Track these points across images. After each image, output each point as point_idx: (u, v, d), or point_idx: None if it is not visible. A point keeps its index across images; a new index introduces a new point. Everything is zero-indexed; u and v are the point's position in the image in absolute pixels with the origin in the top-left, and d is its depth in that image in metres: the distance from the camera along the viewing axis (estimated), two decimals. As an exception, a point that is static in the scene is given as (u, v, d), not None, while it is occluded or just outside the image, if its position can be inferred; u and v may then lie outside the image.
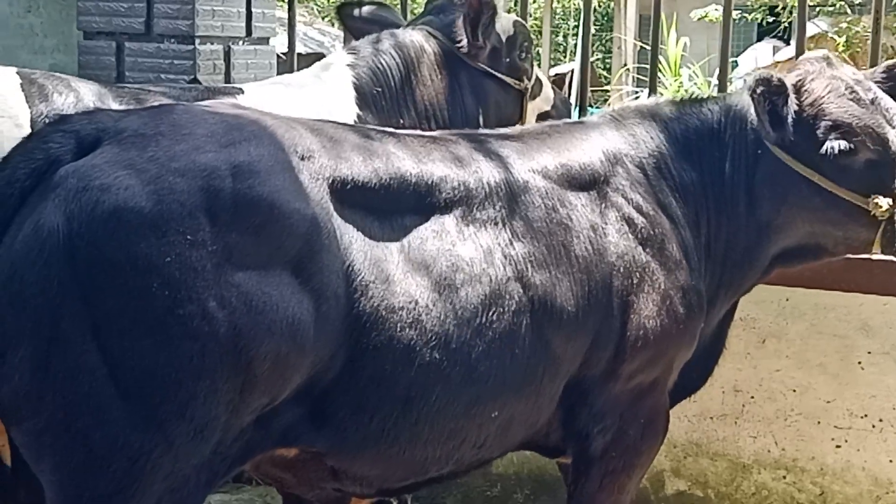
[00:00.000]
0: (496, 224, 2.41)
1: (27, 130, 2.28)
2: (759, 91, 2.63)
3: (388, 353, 2.20)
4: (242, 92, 3.16)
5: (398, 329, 2.20)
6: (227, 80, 3.96)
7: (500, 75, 3.53)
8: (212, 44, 4.00)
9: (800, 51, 3.79)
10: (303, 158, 2.18)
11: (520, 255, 2.40)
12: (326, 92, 3.26)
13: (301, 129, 2.27)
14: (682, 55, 10.91)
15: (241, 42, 4.13)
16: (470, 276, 2.31)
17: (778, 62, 10.97)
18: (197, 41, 3.92)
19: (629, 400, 2.61)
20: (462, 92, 3.47)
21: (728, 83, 4.18)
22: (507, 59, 3.58)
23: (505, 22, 3.60)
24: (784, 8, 12.99)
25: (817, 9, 11.77)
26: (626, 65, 13.44)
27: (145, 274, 1.93)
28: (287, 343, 2.05)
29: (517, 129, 2.84)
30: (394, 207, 2.29)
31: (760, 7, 13.82)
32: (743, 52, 13.45)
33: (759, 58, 12.44)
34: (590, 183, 2.60)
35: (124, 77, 3.92)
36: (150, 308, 1.94)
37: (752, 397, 3.65)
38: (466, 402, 2.32)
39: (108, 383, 1.94)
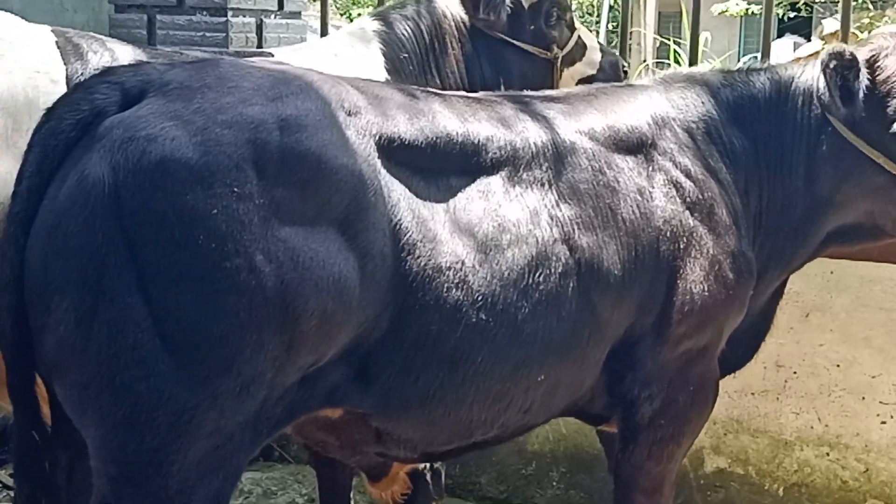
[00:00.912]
0: (542, 185, 2.38)
1: (63, 87, 2.25)
2: (831, 65, 2.58)
3: (433, 314, 2.17)
4: (273, 56, 3.13)
5: (444, 289, 2.17)
6: (260, 40, 3.94)
7: (521, 45, 3.45)
8: (244, 16, 3.97)
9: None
10: (349, 114, 2.15)
11: (566, 216, 2.37)
12: (356, 57, 3.23)
13: (347, 85, 2.24)
14: (703, 50, 10.88)
15: (273, 15, 4.10)
16: (516, 237, 2.28)
17: (798, 59, 10.91)
18: (229, 13, 3.90)
19: (678, 366, 2.57)
20: (480, 61, 3.42)
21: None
22: (532, 27, 3.49)
23: None
24: (806, 4, 12.94)
25: (839, 4, 11.71)
26: (645, 60, 13.43)
27: (191, 226, 1.90)
28: (334, 300, 2.02)
29: (563, 91, 2.80)
30: (440, 167, 2.26)
31: (781, 3, 13.75)
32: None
33: (779, 54, 12.37)
34: (637, 146, 2.57)
35: (156, 37, 3.90)
36: (196, 261, 1.91)
37: (795, 372, 3.59)
38: (512, 365, 2.29)
39: (152, 336, 1.91)
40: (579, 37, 3.63)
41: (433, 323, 2.17)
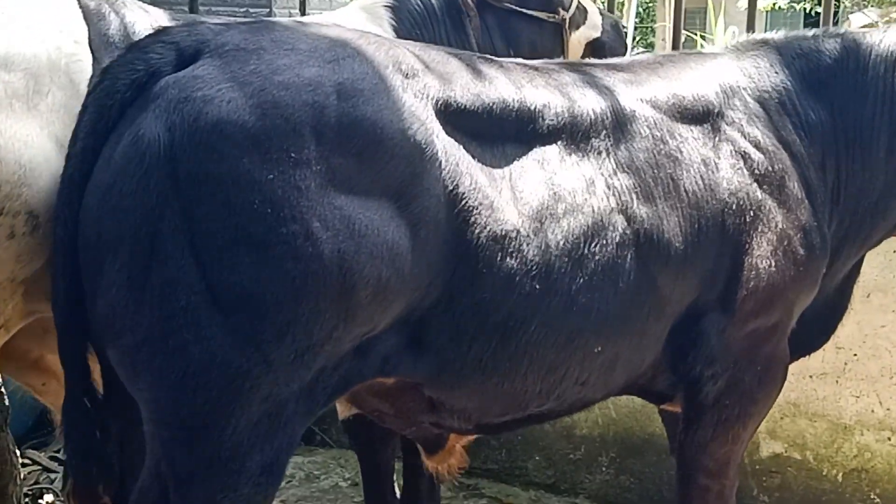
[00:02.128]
0: (599, 154, 2.33)
1: (85, 48, 2.21)
2: None
3: (487, 282, 2.12)
4: None
5: (498, 257, 2.12)
6: (303, 13, 3.90)
7: (528, 11, 3.41)
8: (288, -9, 3.94)
9: None
10: (406, 77, 2.11)
11: (623, 186, 2.31)
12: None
13: (404, 48, 2.20)
14: (730, 44, 10.80)
15: (317, -15, 4.06)
16: (571, 206, 2.23)
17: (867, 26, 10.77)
18: (273, -16, 3.86)
19: (745, 345, 2.49)
20: (491, 34, 3.37)
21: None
22: None
23: None
24: None
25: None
26: None
27: (247, 190, 1.87)
28: (388, 268, 1.98)
29: (626, 58, 2.73)
30: (496, 133, 2.21)
31: None
32: None
33: None
34: (703, 115, 2.49)
35: (197, 9, 3.87)
36: (252, 225, 1.87)
37: (855, 355, 3.49)
38: (566, 335, 2.24)
39: (206, 299, 1.88)
40: (578, 1, 3.59)
41: (486, 291, 2.13)
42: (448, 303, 2.10)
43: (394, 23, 3.19)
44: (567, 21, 3.47)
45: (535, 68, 2.43)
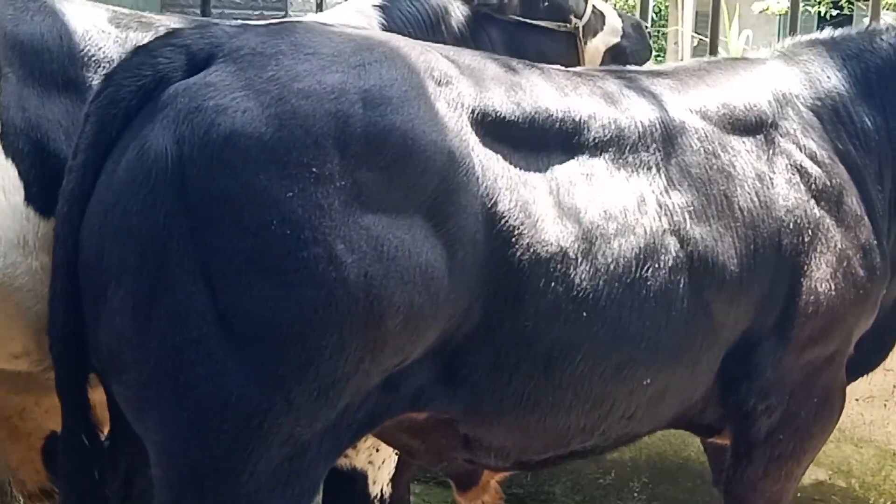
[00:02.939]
0: (650, 169, 2.16)
1: None
2: None
3: (529, 308, 1.95)
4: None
5: (542, 281, 1.95)
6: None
7: (535, 22, 3.18)
8: (304, -10, 3.77)
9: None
10: (439, 84, 1.94)
11: (676, 204, 2.14)
12: None
13: (436, 52, 2.03)
14: (744, 48, 10.70)
15: (332, -11, 3.90)
16: (622, 226, 2.06)
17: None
18: (289, -13, 3.70)
19: (802, 376, 2.33)
20: (494, 48, 3.11)
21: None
22: (545, 2, 3.22)
23: None
24: (848, 1, 12.76)
25: (882, 2, 11.45)
26: (682, 60, 13.25)
27: (264, 209, 1.70)
28: (421, 294, 1.81)
29: (671, 65, 2.55)
30: (539, 145, 2.04)
31: (823, 1, 13.58)
32: None
33: None
34: (756, 126, 2.33)
35: (209, 12, 3.71)
36: (269, 248, 1.71)
37: (905, 378, 3.32)
38: (615, 366, 2.08)
39: (219, 330, 1.72)
40: (594, 6, 3.35)
41: (529, 318, 1.96)
42: (487, 331, 1.94)
43: (384, 22, 2.99)
44: (581, 29, 3.25)
45: (579, 74, 2.27)
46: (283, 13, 3.65)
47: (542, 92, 2.09)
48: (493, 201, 1.90)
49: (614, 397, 2.11)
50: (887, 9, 12.18)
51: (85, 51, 2.07)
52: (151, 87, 1.80)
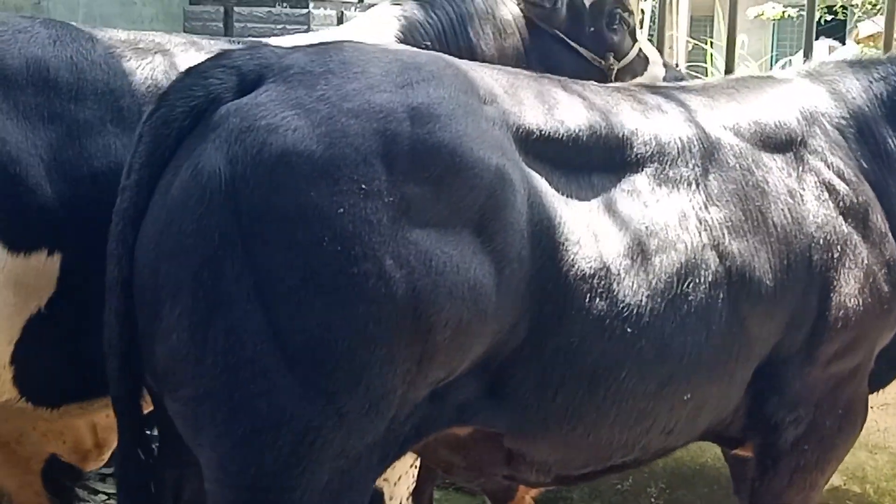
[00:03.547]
0: (689, 185, 2.18)
1: None
2: None
3: (575, 324, 1.97)
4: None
5: (587, 297, 1.97)
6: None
7: (575, 45, 3.11)
8: (325, 8, 3.79)
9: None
10: (485, 102, 1.96)
11: (715, 220, 2.17)
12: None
13: (481, 70, 2.05)
14: (739, 53, 10.71)
15: (353, 7, 3.92)
16: (665, 242, 2.08)
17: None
18: (311, 5, 3.72)
19: (828, 388, 2.36)
20: (528, 57, 3.09)
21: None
22: (592, 29, 3.14)
23: None
24: (843, 7, 12.76)
25: (877, 7, 11.45)
26: (677, 64, 13.22)
27: (315, 226, 1.72)
28: (469, 309, 1.83)
29: (698, 82, 2.59)
30: (583, 162, 2.06)
31: (819, 6, 13.64)
32: (798, 51, 13.21)
33: (815, 58, 12.12)
34: (786, 144, 2.35)
35: (232, 26, 3.74)
36: (321, 265, 1.73)
37: (919, 385, 3.35)
38: (658, 382, 2.10)
39: (273, 347, 1.73)
40: (640, 49, 3.29)
41: (574, 334, 1.98)
42: (533, 347, 1.95)
43: (400, 34, 2.94)
44: (615, 69, 3.15)
45: (618, 90, 2.29)
46: (305, 27, 3.66)
47: (586, 109, 2.11)
48: (538, 218, 1.92)
49: (656, 413, 2.13)
50: (882, 14, 12.13)
51: (70, 84, 2.03)
52: (203, 108, 1.82)
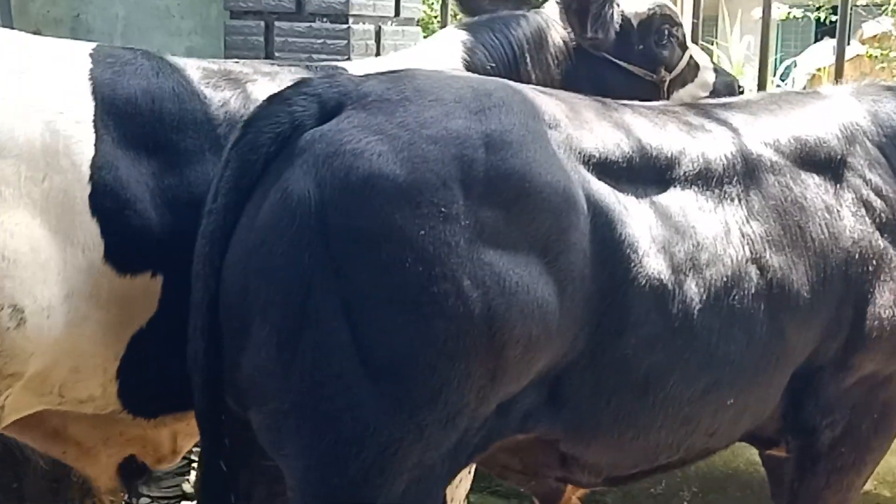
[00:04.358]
0: (733, 200, 2.28)
1: (88, 127, 2.03)
2: None
3: (630, 337, 2.07)
4: (346, 71, 2.96)
5: (643, 312, 2.07)
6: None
7: (625, 65, 3.17)
8: (364, 23, 3.85)
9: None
10: (550, 127, 2.05)
11: (756, 234, 2.27)
12: (435, 67, 3.03)
13: (545, 96, 2.15)
14: (745, 53, 10.76)
15: (390, 22, 3.99)
16: (713, 255, 2.18)
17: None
18: (350, 20, 3.78)
19: (863, 393, 2.46)
20: (579, 83, 3.11)
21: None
22: (641, 47, 3.19)
23: (638, 3, 3.22)
24: (850, 8, 12.74)
25: (882, 7, 11.49)
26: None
27: (399, 247, 1.81)
28: (538, 326, 1.92)
29: (741, 98, 2.67)
30: (637, 181, 2.16)
31: (822, 7, 13.66)
32: (802, 52, 13.27)
33: (818, 58, 12.15)
34: (825, 161, 2.44)
35: (273, 58, 3.80)
36: (404, 284, 1.81)
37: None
38: (703, 388, 2.20)
39: (358, 363, 1.82)
40: (691, 56, 3.34)
41: (628, 346, 2.08)
42: (590, 358, 2.05)
43: (466, 57, 3.00)
44: (667, 82, 3.21)
45: (665, 110, 2.38)
46: (345, 42, 3.73)
47: (638, 130, 2.21)
48: (599, 238, 2.01)
49: (701, 416, 2.23)
50: (886, 14, 12.19)
51: (173, 114, 2.12)
52: (287, 134, 1.89)
